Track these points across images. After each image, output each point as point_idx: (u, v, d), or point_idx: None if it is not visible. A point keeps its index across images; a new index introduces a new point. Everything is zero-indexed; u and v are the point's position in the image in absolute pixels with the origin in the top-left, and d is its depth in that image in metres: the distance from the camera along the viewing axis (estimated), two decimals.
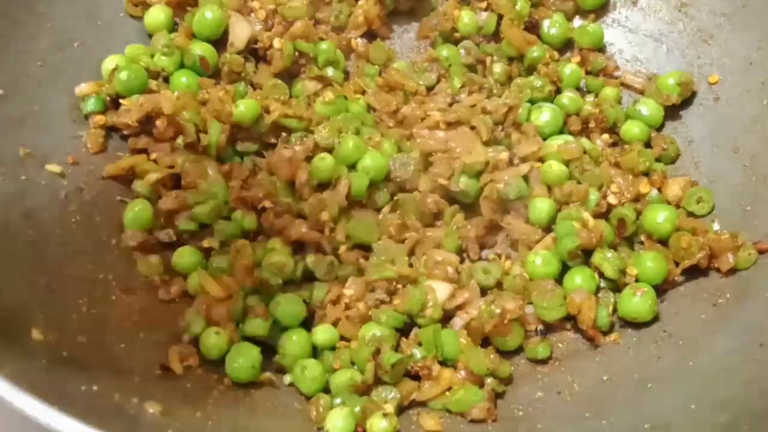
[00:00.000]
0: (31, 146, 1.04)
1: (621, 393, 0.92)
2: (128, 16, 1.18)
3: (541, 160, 1.07)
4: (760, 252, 0.96)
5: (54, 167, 1.04)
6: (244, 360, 0.94)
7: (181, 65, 1.14)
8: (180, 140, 1.08)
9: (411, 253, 1.03)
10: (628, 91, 1.15)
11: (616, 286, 0.99)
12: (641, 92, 1.14)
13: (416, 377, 0.95)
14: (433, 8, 1.21)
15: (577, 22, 1.21)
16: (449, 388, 0.94)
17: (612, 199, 1.03)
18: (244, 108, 1.09)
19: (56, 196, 1.03)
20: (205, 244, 1.04)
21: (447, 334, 0.96)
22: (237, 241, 1.03)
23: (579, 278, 0.98)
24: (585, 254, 0.99)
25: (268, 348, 0.97)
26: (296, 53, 1.15)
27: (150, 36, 1.18)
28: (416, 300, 0.97)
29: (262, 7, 1.17)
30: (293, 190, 1.07)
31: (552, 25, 1.17)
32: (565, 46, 1.18)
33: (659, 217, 1.00)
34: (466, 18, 1.18)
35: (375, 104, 1.13)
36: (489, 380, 0.94)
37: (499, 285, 1.00)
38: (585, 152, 1.07)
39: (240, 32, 1.16)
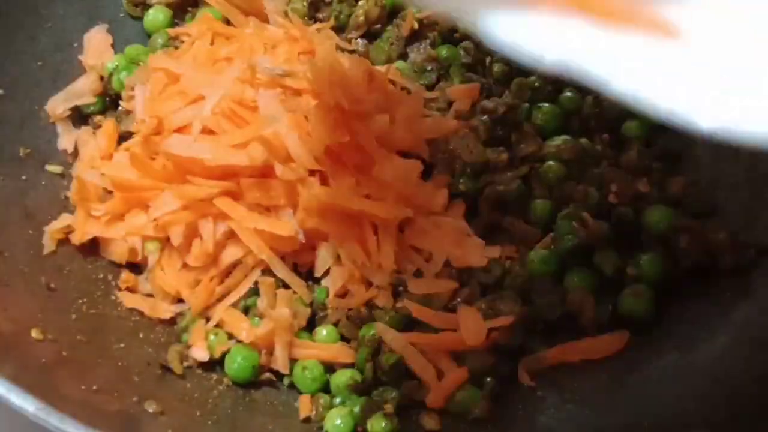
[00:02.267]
0: (31, 146, 1.04)
1: (621, 393, 0.92)
2: (128, 16, 1.19)
3: (541, 160, 1.07)
4: (760, 252, 0.96)
5: (54, 167, 1.05)
6: (244, 360, 0.94)
7: None
8: None
9: None
10: None
11: (616, 286, 0.99)
12: None
13: (416, 377, 0.95)
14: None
15: None
16: None
17: (612, 199, 1.02)
18: None
19: (56, 196, 1.03)
20: None
21: None
22: None
23: (579, 278, 0.98)
24: (585, 254, 0.99)
25: None
26: None
27: (150, 36, 1.18)
28: (416, 300, 0.97)
29: None
30: None
31: None
32: None
33: (659, 217, 1.00)
34: None
35: None
36: (489, 380, 0.94)
37: (499, 284, 1.00)
38: (585, 152, 1.07)
39: None
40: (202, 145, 0.97)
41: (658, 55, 0.41)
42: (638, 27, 0.41)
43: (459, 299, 0.97)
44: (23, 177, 1.02)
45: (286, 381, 0.96)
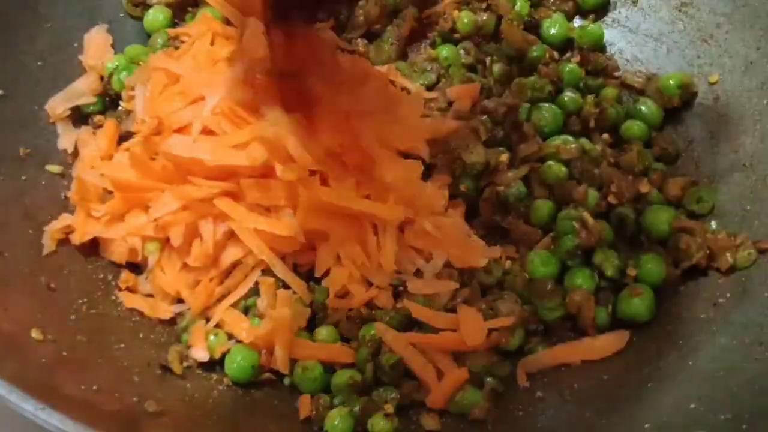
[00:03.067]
0: (31, 146, 1.04)
1: (621, 393, 0.92)
2: (128, 16, 1.19)
3: (541, 160, 1.07)
4: (760, 252, 0.96)
5: (54, 167, 1.05)
6: (244, 360, 0.94)
7: None
8: None
9: None
10: (628, 91, 1.15)
11: (616, 286, 0.99)
12: (641, 92, 1.14)
13: (416, 377, 0.95)
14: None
15: (577, 22, 1.21)
16: None
17: (612, 199, 1.02)
18: None
19: (56, 196, 1.03)
20: None
21: None
22: None
23: (579, 278, 0.98)
24: (585, 254, 0.99)
25: None
26: None
27: (150, 36, 1.18)
28: (416, 300, 0.97)
29: None
30: None
31: (552, 25, 1.17)
32: (565, 46, 1.18)
33: (659, 218, 1.00)
34: (465, 18, 1.18)
35: None
36: (489, 380, 0.94)
37: (499, 285, 1.00)
38: (585, 152, 1.07)
39: None
40: (202, 146, 0.97)
41: None
42: None
43: (459, 299, 0.98)
44: (23, 177, 1.02)
45: (286, 381, 0.96)
